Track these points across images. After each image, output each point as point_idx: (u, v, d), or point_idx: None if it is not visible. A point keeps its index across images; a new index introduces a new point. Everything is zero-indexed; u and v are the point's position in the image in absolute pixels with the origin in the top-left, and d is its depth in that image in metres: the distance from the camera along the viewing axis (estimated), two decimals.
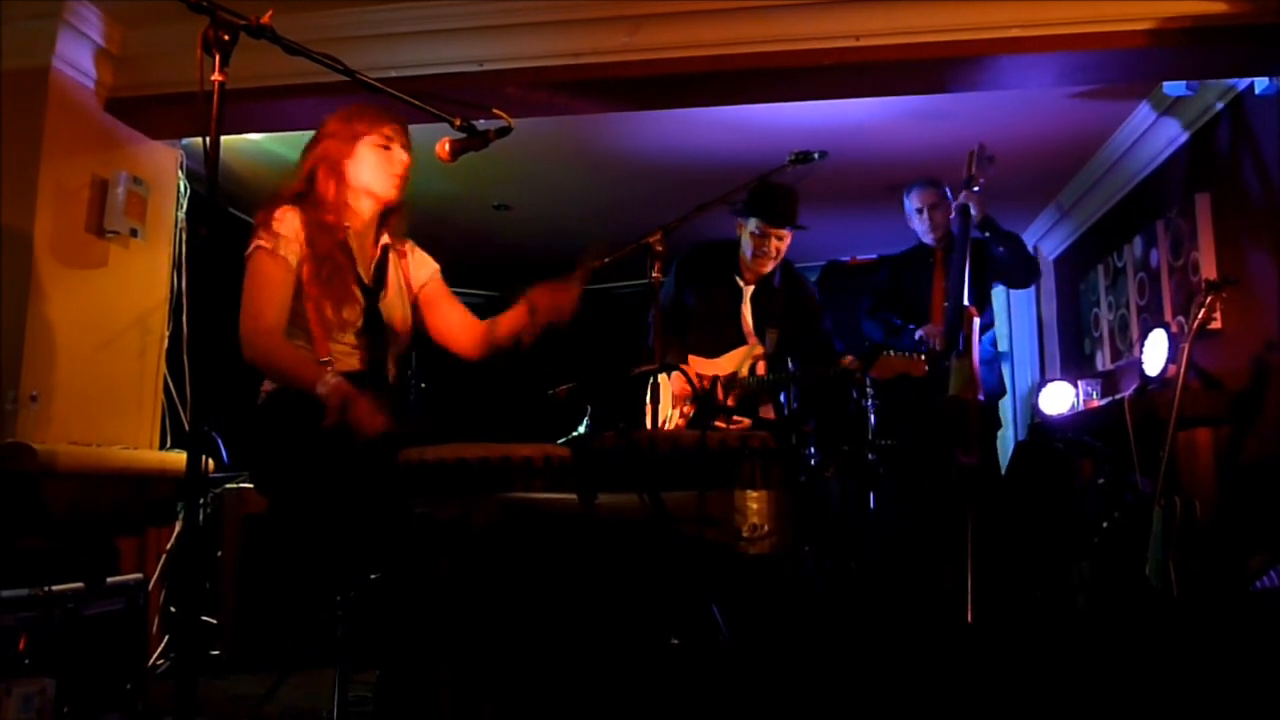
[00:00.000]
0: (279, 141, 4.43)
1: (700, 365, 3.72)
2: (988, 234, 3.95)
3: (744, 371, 3.67)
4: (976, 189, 3.87)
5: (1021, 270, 4.12)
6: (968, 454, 3.67)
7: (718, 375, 3.67)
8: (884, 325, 4.22)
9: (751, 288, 3.81)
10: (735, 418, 3.67)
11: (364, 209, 2.44)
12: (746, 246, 3.75)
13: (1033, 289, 6.53)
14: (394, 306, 2.47)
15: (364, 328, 2.38)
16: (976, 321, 3.79)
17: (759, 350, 3.71)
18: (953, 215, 3.99)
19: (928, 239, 4.18)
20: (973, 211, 3.88)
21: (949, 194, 4.10)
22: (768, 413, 3.73)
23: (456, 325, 2.60)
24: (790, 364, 3.78)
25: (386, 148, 2.42)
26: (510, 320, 2.53)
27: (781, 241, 3.72)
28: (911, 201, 4.19)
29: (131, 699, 2.84)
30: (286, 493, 2.30)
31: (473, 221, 5.87)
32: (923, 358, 3.57)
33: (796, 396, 3.77)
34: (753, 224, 3.69)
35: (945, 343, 3.81)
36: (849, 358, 3.60)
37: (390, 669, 2.12)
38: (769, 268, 3.77)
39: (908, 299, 4.17)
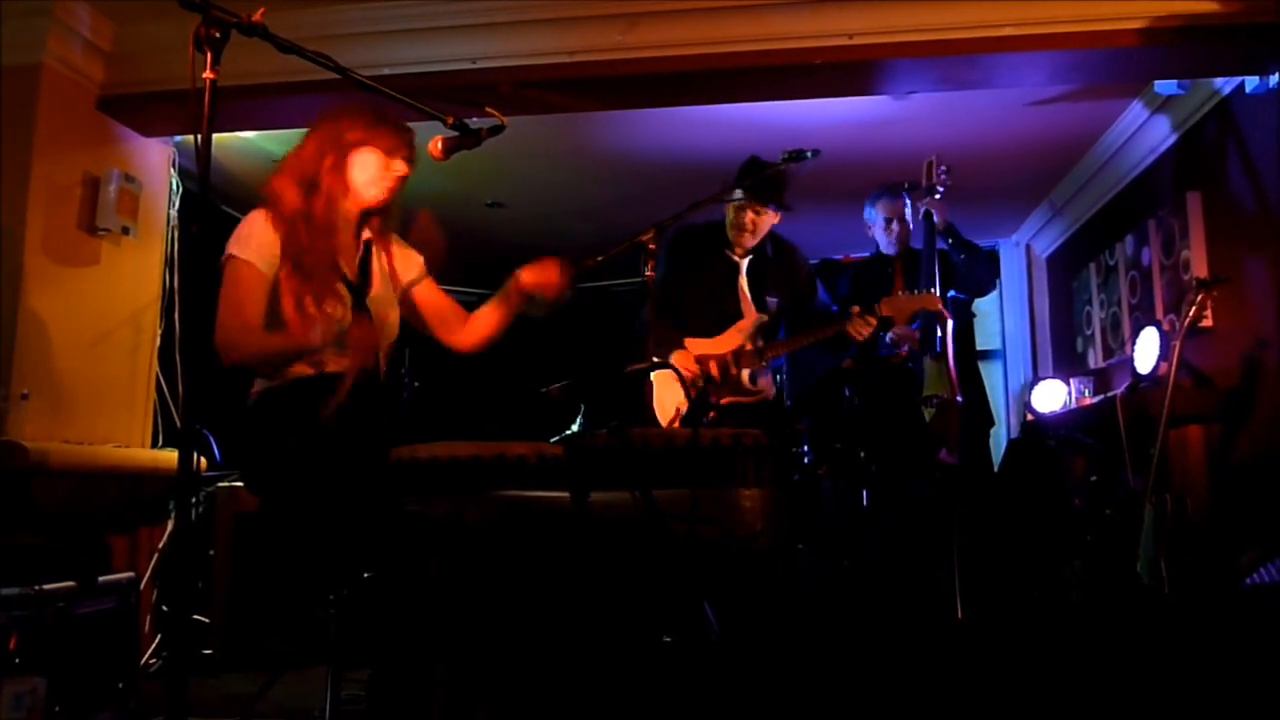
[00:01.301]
0: (271, 139, 4.42)
1: (702, 346, 3.71)
2: (950, 241, 3.97)
3: (749, 345, 3.69)
4: (937, 196, 3.90)
5: (978, 280, 4.12)
6: (950, 454, 3.68)
7: (710, 368, 3.66)
8: None
9: (746, 260, 3.82)
10: (751, 388, 3.69)
11: (349, 208, 2.44)
12: (728, 219, 3.76)
13: (1025, 287, 6.56)
14: (381, 303, 2.45)
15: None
16: (950, 324, 3.81)
17: (763, 319, 3.73)
18: (914, 221, 4.03)
19: (890, 249, 4.19)
20: (935, 218, 3.90)
21: (908, 201, 4.11)
22: (759, 384, 3.74)
23: (450, 318, 2.60)
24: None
25: (390, 155, 2.42)
26: (495, 303, 2.55)
27: (760, 218, 3.72)
28: (879, 211, 4.19)
29: (123, 698, 2.83)
30: (278, 491, 2.30)
31: (466, 219, 5.87)
32: (933, 292, 3.62)
33: (790, 394, 3.78)
34: (736, 194, 3.68)
35: (920, 345, 3.83)
36: (856, 309, 3.60)
37: (383, 667, 2.12)
38: (748, 242, 3.77)
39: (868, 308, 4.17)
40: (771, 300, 3.79)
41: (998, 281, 4.31)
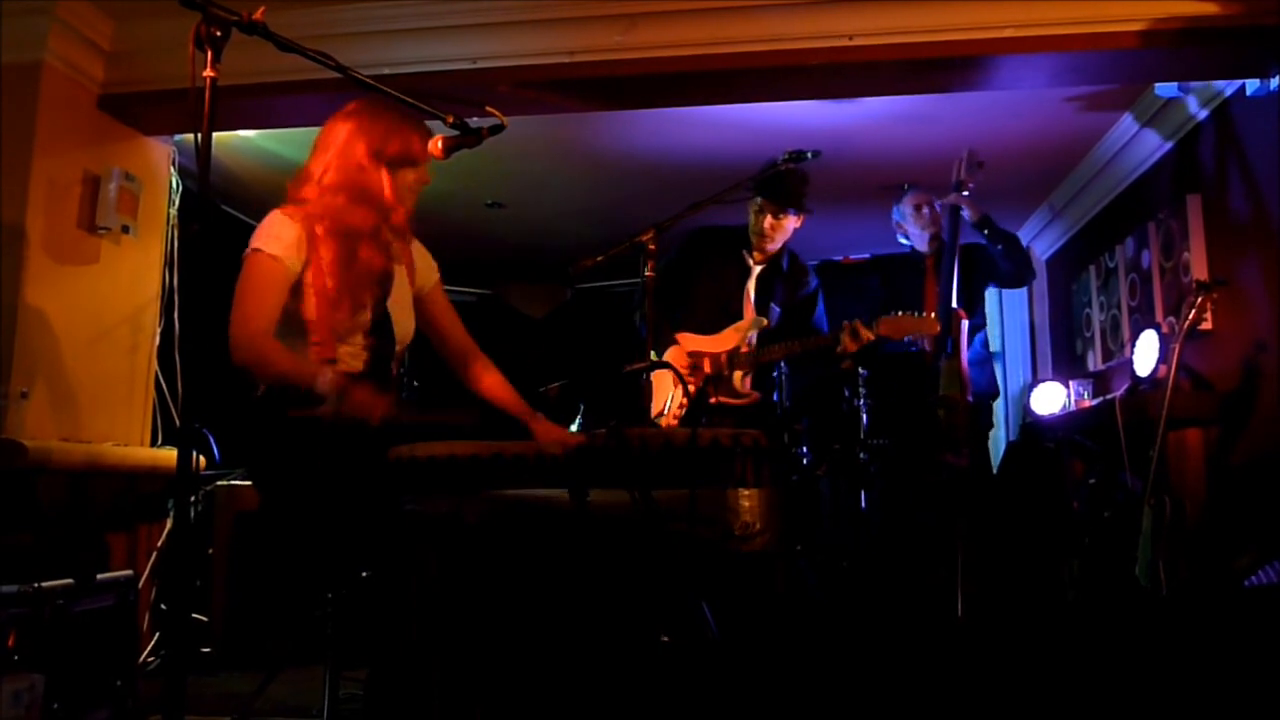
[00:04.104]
0: (271, 138, 4.42)
1: (698, 343, 3.73)
2: (986, 232, 4.00)
3: (745, 347, 3.70)
4: (967, 192, 3.92)
5: (1016, 270, 4.16)
6: (957, 455, 3.69)
7: (704, 364, 3.68)
8: None
9: (760, 267, 3.90)
10: (742, 391, 3.71)
11: (375, 214, 2.40)
12: (750, 223, 3.85)
13: (1024, 289, 6.55)
14: (400, 307, 2.45)
15: (373, 329, 2.35)
16: (965, 323, 3.83)
17: (763, 323, 3.78)
18: (943, 218, 4.05)
19: (921, 243, 4.23)
20: (965, 214, 3.92)
21: (934, 198, 4.16)
22: (746, 386, 3.76)
23: (449, 339, 2.61)
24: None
25: (425, 163, 2.41)
26: (502, 397, 2.52)
27: (779, 221, 3.80)
28: (908, 203, 4.24)
29: (121, 696, 2.83)
30: (279, 488, 2.30)
31: (466, 219, 5.87)
32: (934, 316, 3.66)
33: (789, 394, 3.78)
34: (758, 201, 3.78)
35: (934, 344, 3.84)
36: (858, 322, 3.62)
37: (381, 666, 2.12)
38: (769, 247, 3.86)
39: (903, 307, 4.19)
40: (775, 308, 3.83)
41: (1034, 275, 4.36)
